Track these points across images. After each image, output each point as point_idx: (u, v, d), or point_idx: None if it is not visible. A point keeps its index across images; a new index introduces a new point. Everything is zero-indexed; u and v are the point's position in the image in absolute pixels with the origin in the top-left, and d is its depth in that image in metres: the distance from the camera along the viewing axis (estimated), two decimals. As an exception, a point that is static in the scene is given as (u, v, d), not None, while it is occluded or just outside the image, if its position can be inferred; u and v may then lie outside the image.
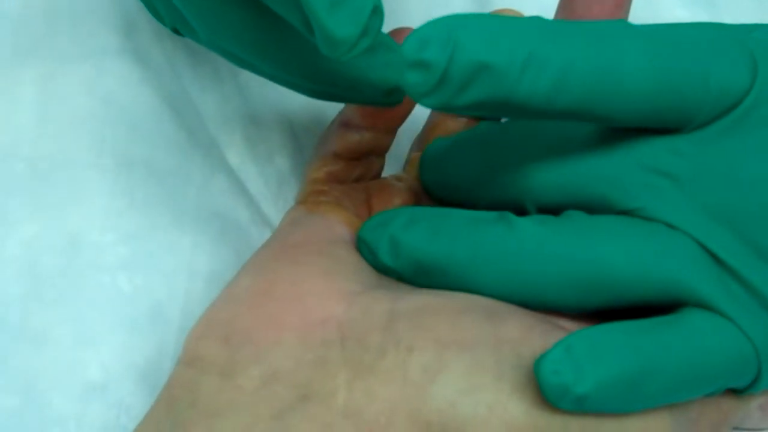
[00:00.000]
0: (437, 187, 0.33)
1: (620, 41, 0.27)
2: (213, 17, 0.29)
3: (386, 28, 0.33)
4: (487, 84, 0.26)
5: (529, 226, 0.28)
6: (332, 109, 0.35)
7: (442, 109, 0.26)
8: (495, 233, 0.28)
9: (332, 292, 0.28)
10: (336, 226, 0.31)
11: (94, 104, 0.37)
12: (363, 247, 0.30)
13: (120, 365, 0.32)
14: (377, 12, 0.26)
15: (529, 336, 0.27)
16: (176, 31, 0.33)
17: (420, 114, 0.35)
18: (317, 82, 0.31)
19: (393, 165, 0.37)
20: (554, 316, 0.29)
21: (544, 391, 0.26)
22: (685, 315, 0.28)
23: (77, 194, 0.35)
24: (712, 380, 0.28)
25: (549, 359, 0.26)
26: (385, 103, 0.32)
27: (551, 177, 0.29)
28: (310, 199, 0.33)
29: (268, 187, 0.37)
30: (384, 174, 0.36)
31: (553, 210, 0.29)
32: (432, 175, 0.33)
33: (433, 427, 0.26)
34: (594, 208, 0.29)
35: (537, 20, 0.27)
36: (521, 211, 0.30)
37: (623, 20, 0.28)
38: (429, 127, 0.35)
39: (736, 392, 0.30)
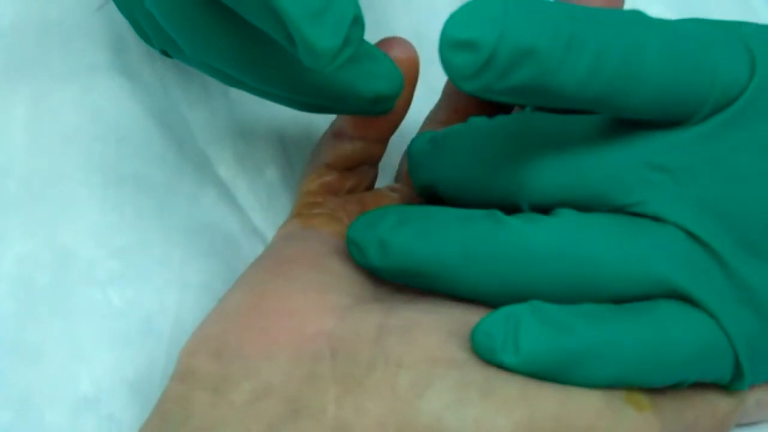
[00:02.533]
0: (431, 184, 0.32)
1: (641, 30, 0.27)
2: (198, 34, 0.29)
3: (373, 38, 0.33)
4: (532, 67, 0.25)
5: (517, 224, 0.28)
6: (321, 120, 0.35)
7: (480, 93, 0.26)
8: (483, 232, 0.28)
9: (324, 306, 0.29)
10: (330, 240, 0.31)
11: (84, 121, 0.37)
12: (353, 247, 0.30)
13: (111, 379, 0.32)
14: (358, 22, 0.26)
15: None
16: (165, 53, 0.34)
17: (411, 124, 0.35)
18: (303, 94, 0.31)
19: (385, 176, 0.37)
20: None
21: (474, 346, 0.27)
22: (657, 304, 0.28)
23: (68, 211, 0.35)
24: (675, 369, 0.27)
25: (486, 319, 0.27)
26: (373, 112, 0.32)
27: (549, 173, 0.29)
28: (304, 211, 0.33)
29: (259, 200, 0.38)
30: (377, 185, 0.36)
31: (547, 207, 0.29)
32: (424, 172, 0.33)
33: None
34: (591, 204, 0.29)
35: (571, 5, 0.27)
36: (514, 209, 0.29)
37: (639, 11, 0.28)
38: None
39: (726, 389, 0.30)
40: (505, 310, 0.27)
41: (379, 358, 0.27)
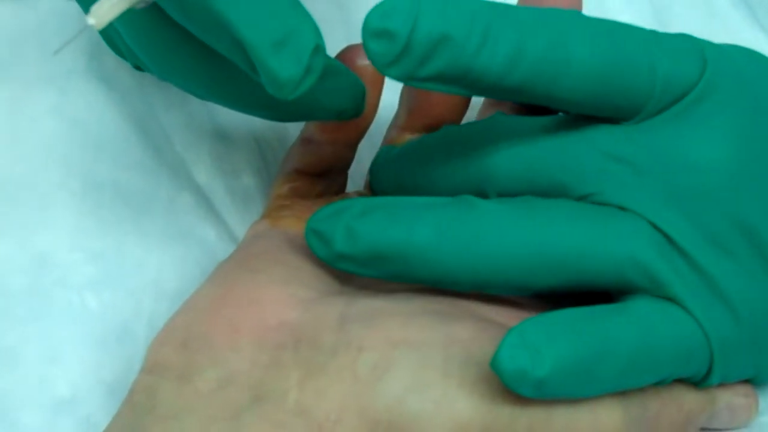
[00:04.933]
0: (389, 192, 0.33)
1: (570, 26, 0.28)
2: (161, 57, 0.30)
3: (343, 39, 0.34)
4: (448, 55, 0.27)
5: (490, 205, 0.29)
6: (297, 126, 0.36)
7: (406, 81, 0.27)
8: (456, 214, 0.29)
9: (287, 298, 0.29)
10: (296, 238, 0.32)
11: (61, 126, 0.37)
12: (313, 238, 0.30)
13: (88, 382, 0.33)
14: (319, 50, 0.27)
15: (480, 336, 0.28)
16: (137, 68, 0.34)
17: (380, 131, 0.36)
18: (269, 111, 0.31)
19: (355, 183, 0.37)
20: (502, 317, 0.30)
21: (504, 377, 0.26)
22: (634, 302, 0.28)
23: (45, 215, 0.35)
24: (660, 366, 0.28)
25: (506, 345, 0.26)
26: (339, 119, 0.32)
27: (509, 164, 0.30)
28: (273, 213, 0.34)
29: (235, 205, 0.38)
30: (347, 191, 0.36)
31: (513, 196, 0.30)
32: (384, 183, 0.34)
33: (382, 424, 0.26)
34: (552, 194, 0.29)
35: (493, 1, 0.28)
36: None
37: (575, 10, 0.29)
38: (387, 142, 0.36)
39: (696, 386, 0.30)
40: (514, 332, 0.26)
41: (341, 344, 0.28)
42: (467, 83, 0.28)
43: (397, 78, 0.27)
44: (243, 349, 0.28)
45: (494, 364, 0.26)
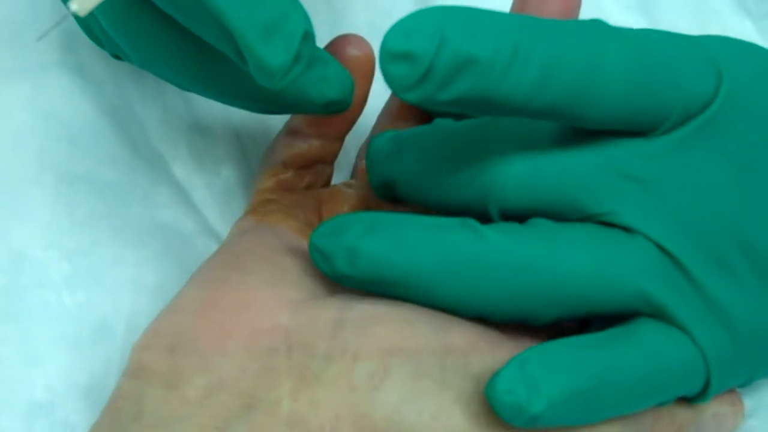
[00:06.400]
0: (389, 184, 0.32)
1: (601, 40, 0.27)
2: (144, 45, 0.29)
3: (330, 33, 0.33)
4: (473, 78, 0.25)
5: (495, 235, 0.28)
6: (278, 118, 0.35)
7: (423, 104, 0.26)
8: (460, 242, 0.28)
9: (279, 300, 0.28)
10: (285, 234, 0.31)
11: (34, 120, 0.36)
12: (316, 255, 0.29)
13: (65, 383, 0.32)
14: (308, 37, 0.26)
15: (477, 345, 0.27)
16: (116, 56, 0.33)
17: (366, 122, 0.35)
18: (254, 102, 0.31)
19: (341, 174, 0.36)
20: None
21: (497, 410, 0.25)
22: (638, 326, 0.28)
23: (19, 211, 0.35)
24: (663, 390, 0.28)
25: (502, 377, 0.26)
26: (326, 113, 0.32)
27: (518, 176, 0.28)
28: (259, 208, 0.33)
29: (215, 199, 0.37)
30: (333, 182, 0.35)
31: (517, 214, 0.29)
32: (382, 172, 0.32)
33: None
34: (561, 211, 0.28)
35: (520, 16, 0.26)
36: (483, 216, 0.29)
37: (600, 20, 0.28)
38: (378, 131, 0.35)
39: (688, 401, 0.30)
40: (515, 362, 0.26)
41: (336, 352, 0.27)
42: (490, 106, 0.26)
43: (414, 102, 0.26)
44: (233, 354, 0.27)
45: (489, 394, 0.25)
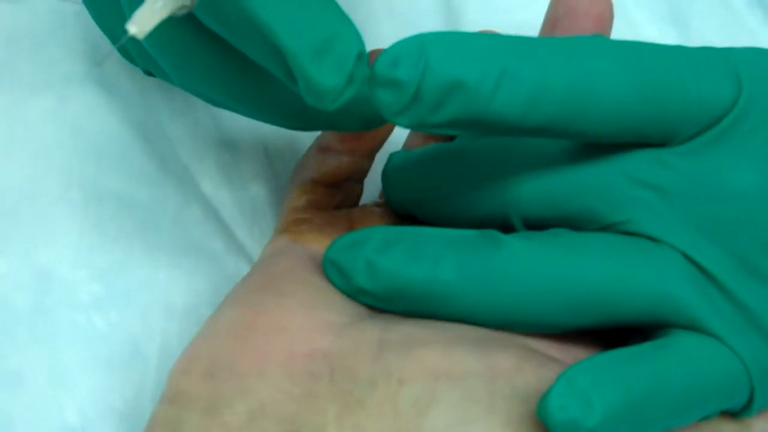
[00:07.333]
0: (406, 203, 0.32)
1: (595, 55, 0.27)
2: (186, 63, 0.28)
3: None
4: (461, 101, 0.25)
5: (517, 243, 0.28)
6: (306, 134, 0.35)
7: (416, 128, 0.26)
8: (481, 252, 0.28)
9: (318, 323, 0.28)
10: (319, 255, 0.31)
11: (60, 134, 0.36)
12: (331, 270, 0.29)
13: (98, 407, 0.31)
14: (362, 58, 0.25)
15: (522, 367, 0.27)
16: (149, 73, 0.32)
17: (397, 139, 0.35)
18: (292, 120, 0.30)
19: (369, 192, 0.36)
20: (541, 344, 0.29)
21: (552, 428, 0.25)
22: (675, 338, 0.27)
23: (46, 229, 0.34)
24: (707, 403, 0.27)
25: (554, 394, 0.25)
26: (366, 129, 0.31)
27: (536, 189, 0.28)
28: (291, 228, 0.32)
29: (243, 215, 0.36)
30: (362, 201, 0.35)
31: (537, 226, 0.29)
32: (399, 191, 0.32)
33: None
34: (580, 221, 0.28)
35: (509, 37, 0.26)
36: (503, 227, 0.29)
37: (598, 35, 0.28)
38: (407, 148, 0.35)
39: (734, 416, 0.29)
40: (563, 379, 0.25)
41: (380, 376, 0.26)
42: (484, 127, 0.26)
43: (407, 126, 0.26)
44: (273, 378, 0.27)
45: (542, 413, 0.25)
